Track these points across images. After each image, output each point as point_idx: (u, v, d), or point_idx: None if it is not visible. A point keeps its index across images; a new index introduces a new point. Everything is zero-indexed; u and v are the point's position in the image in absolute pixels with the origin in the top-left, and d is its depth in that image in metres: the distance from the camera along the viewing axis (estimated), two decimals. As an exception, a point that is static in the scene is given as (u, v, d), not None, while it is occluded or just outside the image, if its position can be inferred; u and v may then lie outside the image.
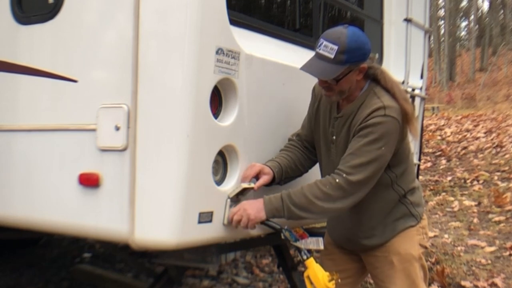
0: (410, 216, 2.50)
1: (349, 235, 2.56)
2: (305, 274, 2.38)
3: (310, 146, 2.63)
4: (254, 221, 2.27)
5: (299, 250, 2.39)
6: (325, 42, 2.22)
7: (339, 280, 2.33)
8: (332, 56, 2.20)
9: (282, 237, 2.40)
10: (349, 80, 2.29)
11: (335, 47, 2.19)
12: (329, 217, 2.65)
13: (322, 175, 2.56)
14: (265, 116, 2.65)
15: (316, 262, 2.36)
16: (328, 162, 2.50)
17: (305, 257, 2.35)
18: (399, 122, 2.28)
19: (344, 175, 2.25)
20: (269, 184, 2.50)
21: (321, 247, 2.43)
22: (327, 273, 2.31)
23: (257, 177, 2.47)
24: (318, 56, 2.26)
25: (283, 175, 2.54)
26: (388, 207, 2.46)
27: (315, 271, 2.33)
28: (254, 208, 2.27)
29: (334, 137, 2.44)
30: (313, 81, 2.85)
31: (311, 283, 2.35)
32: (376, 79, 2.38)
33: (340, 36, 2.21)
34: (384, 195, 2.43)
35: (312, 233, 2.58)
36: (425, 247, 2.58)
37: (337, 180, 2.25)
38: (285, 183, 2.58)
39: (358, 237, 2.52)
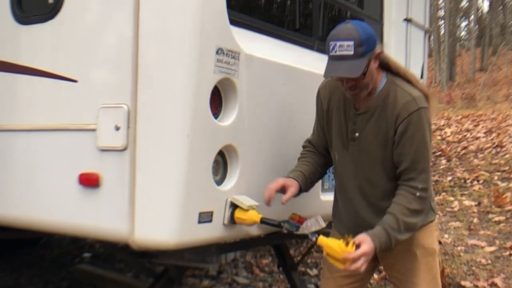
0: (430, 210, 2.53)
1: (373, 216, 2.49)
2: (324, 253, 2.34)
3: (324, 150, 2.63)
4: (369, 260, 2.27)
5: (305, 236, 2.37)
6: (338, 43, 2.22)
7: (354, 240, 2.29)
8: (352, 52, 2.20)
9: (284, 231, 2.40)
10: (371, 70, 2.30)
11: (351, 43, 2.19)
12: (342, 215, 2.61)
13: (337, 176, 2.57)
14: (265, 116, 2.65)
15: (326, 237, 2.34)
16: (346, 161, 2.48)
17: (314, 238, 2.33)
18: (427, 109, 2.34)
19: (420, 185, 2.30)
20: (296, 195, 2.51)
21: (323, 224, 2.39)
22: (341, 240, 2.27)
23: (282, 190, 2.49)
24: (337, 58, 2.23)
25: (308, 181, 2.57)
26: None
27: (329, 245, 2.29)
28: (371, 251, 2.24)
29: (356, 134, 2.42)
30: (312, 81, 2.85)
31: (333, 257, 2.30)
32: (388, 66, 2.40)
33: (350, 31, 2.22)
34: None
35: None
36: (440, 243, 2.60)
37: (417, 194, 2.30)
38: (310, 188, 2.62)
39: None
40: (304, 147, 2.70)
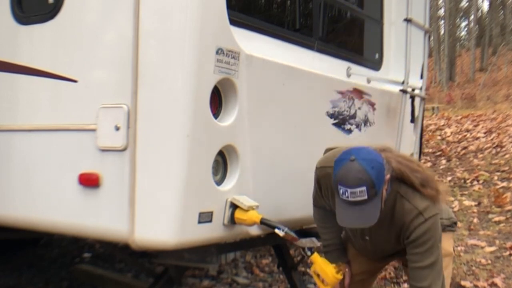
0: (449, 219, 2.73)
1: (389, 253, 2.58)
2: (312, 270, 2.40)
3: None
4: None
5: (302, 247, 2.40)
6: (350, 190, 2.07)
7: (346, 270, 2.34)
8: (366, 197, 2.07)
9: (281, 234, 2.41)
10: (384, 196, 2.22)
11: (363, 189, 2.06)
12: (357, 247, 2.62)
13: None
14: (265, 116, 2.65)
15: (321, 256, 2.37)
16: (363, 248, 2.55)
17: (309, 253, 2.36)
18: (437, 215, 2.29)
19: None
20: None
21: (318, 244, 2.44)
22: (333, 265, 2.32)
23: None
24: (350, 203, 2.10)
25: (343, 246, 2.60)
26: None
27: (321, 265, 2.34)
28: None
29: (367, 237, 2.44)
30: (312, 81, 2.85)
31: (319, 278, 2.36)
32: (392, 176, 2.28)
33: (360, 175, 2.07)
34: None
35: (306, 234, 2.59)
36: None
37: None
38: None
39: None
40: (319, 214, 2.59)
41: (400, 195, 2.28)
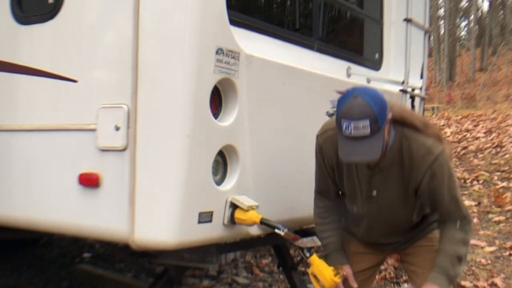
0: None
1: (395, 237, 2.53)
2: (310, 271, 2.39)
3: (337, 195, 2.53)
4: None
5: (301, 248, 2.39)
6: (353, 123, 2.07)
7: (344, 273, 2.34)
8: (369, 131, 2.07)
9: (282, 233, 2.41)
10: (386, 137, 2.21)
11: (367, 122, 2.06)
12: (361, 228, 2.55)
13: (353, 217, 2.50)
14: (265, 116, 2.65)
15: (319, 258, 2.37)
16: (362, 213, 2.45)
17: (308, 254, 2.36)
18: (444, 150, 2.28)
19: (467, 222, 2.32)
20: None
21: (318, 243, 2.44)
22: (332, 268, 2.32)
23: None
24: (353, 139, 2.10)
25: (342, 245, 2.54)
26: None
27: (319, 267, 2.34)
28: None
29: (373, 193, 2.36)
30: (312, 81, 2.85)
31: (317, 279, 2.35)
32: (394, 119, 2.28)
33: (363, 108, 2.07)
34: None
35: (306, 234, 2.59)
36: None
37: (458, 225, 2.30)
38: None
39: (406, 238, 2.50)
40: (320, 207, 2.54)
41: (405, 137, 2.28)
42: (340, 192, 2.53)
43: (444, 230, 2.34)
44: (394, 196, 2.33)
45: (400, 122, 2.28)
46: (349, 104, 2.10)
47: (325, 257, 2.48)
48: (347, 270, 2.45)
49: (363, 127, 2.06)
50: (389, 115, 2.18)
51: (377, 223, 2.44)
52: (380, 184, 2.32)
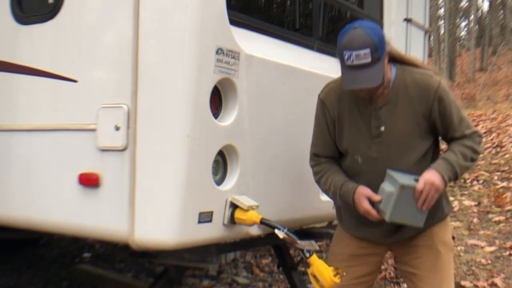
0: (448, 202, 2.55)
1: (392, 228, 2.45)
2: (310, 272, 2.38)
3: (335, 159, 2.52)
4: (440, 193, 2.29)
5: (300, 249, 2.39)
6: (354, 52, 2.18)
7: (344, 273, 2.33)
8: (370, 60, 2.18)
9: (281, 235, 2.40)
10: (386, 69, 2.32)
11: (367, 51, 2.18)
12: (355, 220, 2.52)
13: (360, 177, 2.42)
14: (265, 116, 2.65)
15: (319, 258, 2.36)
16: (371, 161, 2.39)
17: (307, 254, 2.35)
18: (440, 75, 2.43)
19: (476, 136, 2.37)
20: None
21: (317, 247, 2.43)
22: (332, 268, 2.31)
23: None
24: (354, 67, 2.20)
25: None
26: None
27: (319, 267, 2.32)
28: (437, 180, 2.25)
29: (382, 128, 2.37)
30: (312, 81, 2.85)
31: (317, 280, 2.35)
32: (392, 56, 2.41)
33: (364, 38, 2.19)
34: None
35: (306, 234, 2.58)
36: (453, 237, 2.61)
37: (477, 139, 2.37)
38: None
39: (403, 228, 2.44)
40: (316, 164, 2.52)
41: (407, 71, 2.40)
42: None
43: (453, 144, 2.39)
44: (402, 129, 2.36)
45: (399, 61, 2.42)
46: (350, 35, 2.22)
47: (340, 195, 2.42)
48: (363, 191, 2.35)
49: (364, 55, 2.18)
50: (388, 48, 2.31)
51: (377, 179, 2.36)
52: (388, 117, 2.37)
